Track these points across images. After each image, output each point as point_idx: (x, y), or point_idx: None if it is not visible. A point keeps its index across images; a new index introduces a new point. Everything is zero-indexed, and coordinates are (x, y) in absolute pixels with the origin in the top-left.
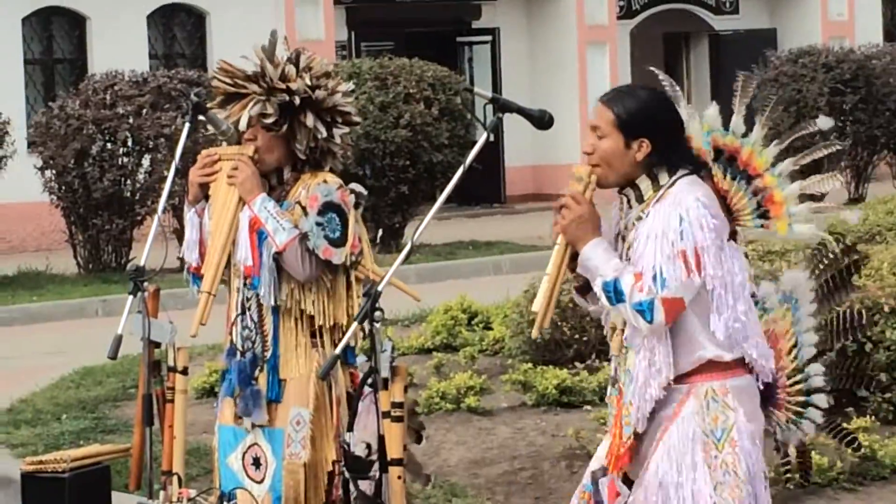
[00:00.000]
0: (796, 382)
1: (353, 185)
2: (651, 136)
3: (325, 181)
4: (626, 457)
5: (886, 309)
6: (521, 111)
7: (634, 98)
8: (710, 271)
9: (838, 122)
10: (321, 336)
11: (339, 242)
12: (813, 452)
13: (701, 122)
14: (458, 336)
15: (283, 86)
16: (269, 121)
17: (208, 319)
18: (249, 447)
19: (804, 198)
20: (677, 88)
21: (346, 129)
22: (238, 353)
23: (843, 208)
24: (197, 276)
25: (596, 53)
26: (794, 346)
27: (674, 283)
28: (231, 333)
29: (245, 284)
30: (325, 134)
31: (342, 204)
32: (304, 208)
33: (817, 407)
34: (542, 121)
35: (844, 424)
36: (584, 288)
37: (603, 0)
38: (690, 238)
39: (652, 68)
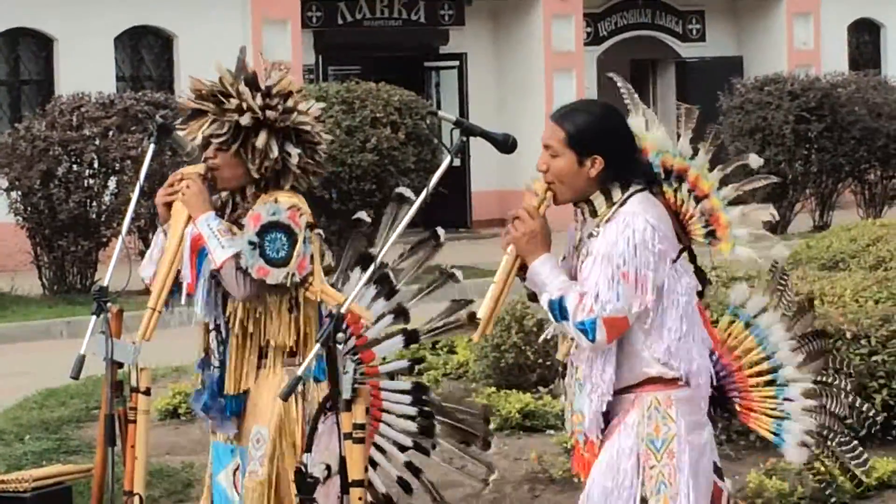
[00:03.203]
0: (768, 396)
1: (360, 214)
2: (603, 153)
3: (275, 200)
4: (585, 463)
5: (849, 335)
6: (484, 135)
7: (585, 115)
8: (653, 294)
9: (803, 149)
10: (266, 356)
11: (279, 263)
12: (774, 477)
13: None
14: (422, 359)
15: (233, 105)
16: (219, 140)
17: (152, 335)
18: (237, 468)
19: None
20: (636, 98)
21: (300, 149)
22: (211, 367)
23: (774, 241)
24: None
25: (563, 79)
26: (766, 359)
27: (616, 304)
28: (208, 342)
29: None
30: (276, 153)
31: (291, 224)
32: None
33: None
34: (505, 145)
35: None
36: (534, 295)
37: (570, 26)
38: (635, 261)
39: (612, 75)
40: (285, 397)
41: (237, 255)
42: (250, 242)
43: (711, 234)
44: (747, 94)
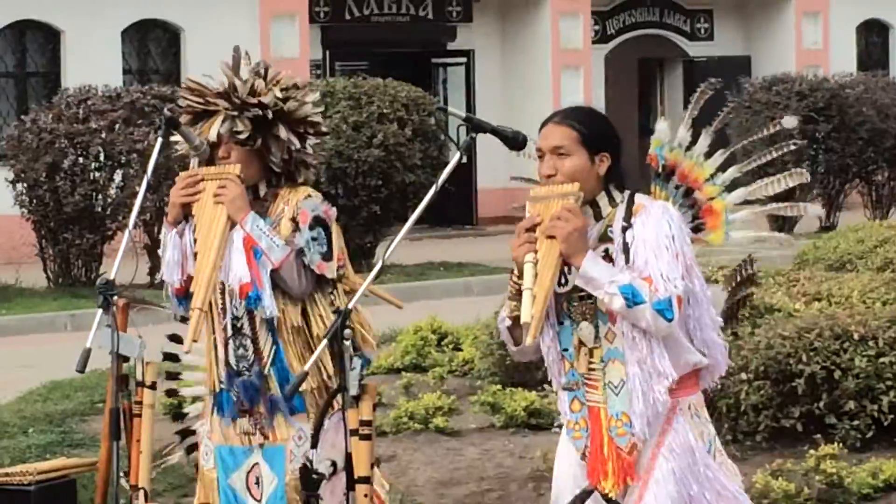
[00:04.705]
0: None
1: None
2: (609, 151)
3: (309, 196)
4: (631, 468)
5: (856, 336)
6: (494, 131)
7: (588, 115)
8: (694, 278)
9: (811, 150)
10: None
11: (328, 257)
12: (780, 478)
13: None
14: (427, 356)
15: (254, 100)
16: (243, 136)
17: (199, 336)
18: (253, 466)
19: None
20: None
21: (317, 140)
22: (237, 375)
23: (804, 206)
24: (180, 297)
25: (570, 77)
26: None
27: (680, 282)
28: (225, 355)
29: (234, 304)
30: (298, 145)
31: (327, 218)
32: (296, 223)
33: None
34: (515, 141)
35: None
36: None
37: (578, 24)
38: (681, 243)
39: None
40: (291, 395)
41: (300, 252)
42: (313, 238)
43: (697, 229)
44: (755, 93)
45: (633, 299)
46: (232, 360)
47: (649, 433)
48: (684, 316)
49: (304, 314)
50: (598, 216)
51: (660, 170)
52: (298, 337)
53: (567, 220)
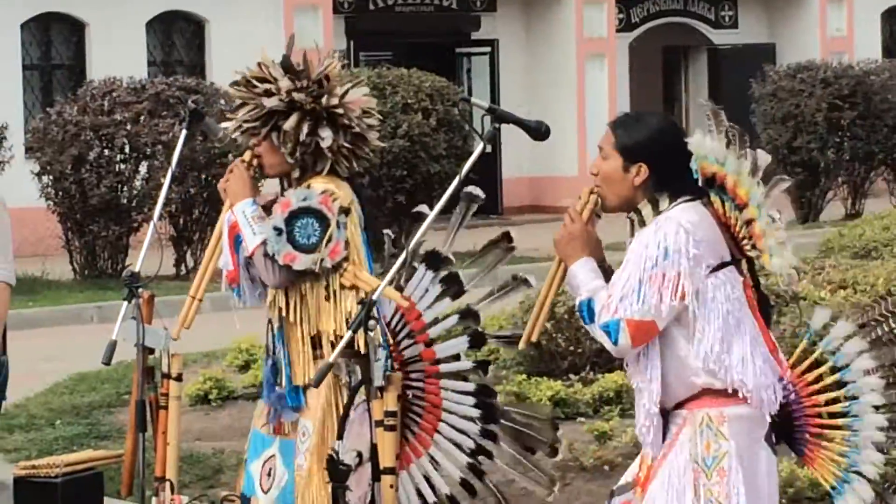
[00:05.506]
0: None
1: (471, 189)
2: (649, 162)
3: (308, 186)
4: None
5: None
6: (518, 122)
7: (639, 123)
8: (689, 298)
9: (836, 137)
10: (321, 347)
11: (309, 248)
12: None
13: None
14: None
15: (262, 89)
16: (249, 125)
17: (191, 324)
18: (270, 457)
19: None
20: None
21: (334, 133)
22: (268, 358)
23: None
24: (233, 285)
25: (595, 66)
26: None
27: (641, 306)
28: (266, 337)
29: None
30: (304, 136)
31: (323, 209)
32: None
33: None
34: (539, 131)
35: None
36: None
37: (602, 13)
38: (668, 263)
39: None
40: (316, 384)
41: (265, 242)
42: (275, 228)
43: (755, 247)
44: (780, 81)
45: (587, 316)
46: (269, 344)
47: (653, 444)
48: (691, 339)
49: (296, 308)
50: (642, 223)
51: (699, 182)
52: (298, 332)
53: (564, 224)
